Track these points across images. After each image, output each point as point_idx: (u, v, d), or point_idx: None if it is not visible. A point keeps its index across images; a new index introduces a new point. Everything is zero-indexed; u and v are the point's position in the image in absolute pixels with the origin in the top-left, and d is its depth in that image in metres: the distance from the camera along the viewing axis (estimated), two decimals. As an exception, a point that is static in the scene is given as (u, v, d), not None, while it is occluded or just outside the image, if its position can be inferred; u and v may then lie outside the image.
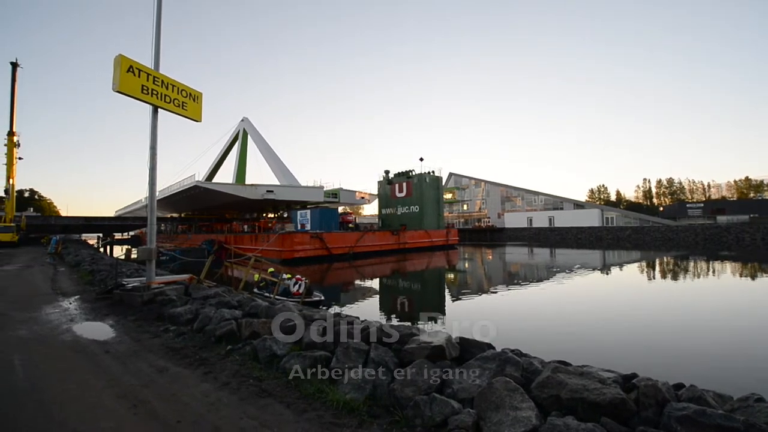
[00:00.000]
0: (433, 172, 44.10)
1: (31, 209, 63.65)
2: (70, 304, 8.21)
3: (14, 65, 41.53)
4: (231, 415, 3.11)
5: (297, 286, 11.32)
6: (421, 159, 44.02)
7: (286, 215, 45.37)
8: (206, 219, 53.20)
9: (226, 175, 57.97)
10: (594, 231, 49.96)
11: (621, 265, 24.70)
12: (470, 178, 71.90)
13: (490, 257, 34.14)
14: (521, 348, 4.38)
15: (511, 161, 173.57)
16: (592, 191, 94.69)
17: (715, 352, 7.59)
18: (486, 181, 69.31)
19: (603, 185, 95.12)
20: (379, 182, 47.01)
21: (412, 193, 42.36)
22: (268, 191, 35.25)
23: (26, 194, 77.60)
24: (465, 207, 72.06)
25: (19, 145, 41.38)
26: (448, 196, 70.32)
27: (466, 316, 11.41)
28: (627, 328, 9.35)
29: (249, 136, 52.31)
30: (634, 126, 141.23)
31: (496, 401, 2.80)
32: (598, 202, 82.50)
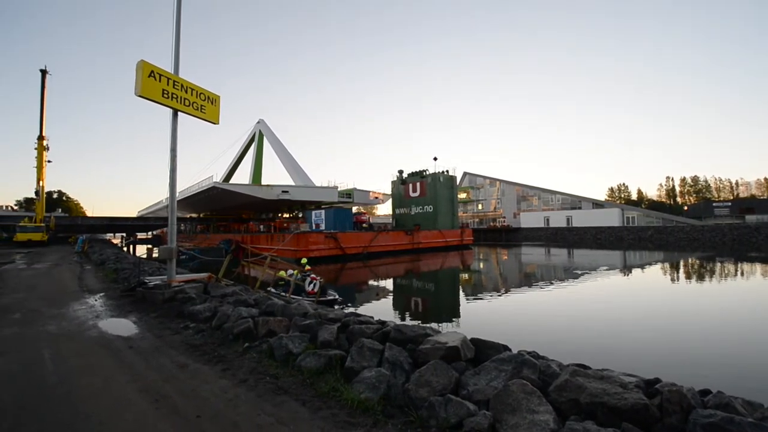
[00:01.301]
0: (447, 171, 43.83)
1: (60, 210, 66.48)
2: (96, 301, 8.53)
3: (43, 72, 43.47)
4: (248, 411, 3.17)
5: (312, 285, 11.44)
6: (435, 158, 43.88)
7: (301, 215, 45.93)
8: (224, 219, 54.41)
9: (243, 176, 59.18)
10: (614, 231, 48.59)
11: (643, 266, 23.93)
12: (485, 178, 71.04)
13: (506, 258, 33.65)
14: (538, 350, 4.30)
15: (527, 161, 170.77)
16: (611, 190, 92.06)
17: (743, 358, 7.26)
18: (501, 181, 68.34)
19: (623, 184, 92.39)
20: (392, 182, 47.04)
21: (426, 193, 42.20)
22: (283, 191, 35.78)
23: (55, 195, 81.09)
24: (480, 207, 71.26)
25: (48, 149, 43.29)
26: (462, 195, 69.69)
27: (481, 317, 11.29)
28: (649, 332, 9.05)
29: (265, 138, 53.20)
30: (657, 123, 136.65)
31: (513, 404, 2.76)
32: (618, 202, 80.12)
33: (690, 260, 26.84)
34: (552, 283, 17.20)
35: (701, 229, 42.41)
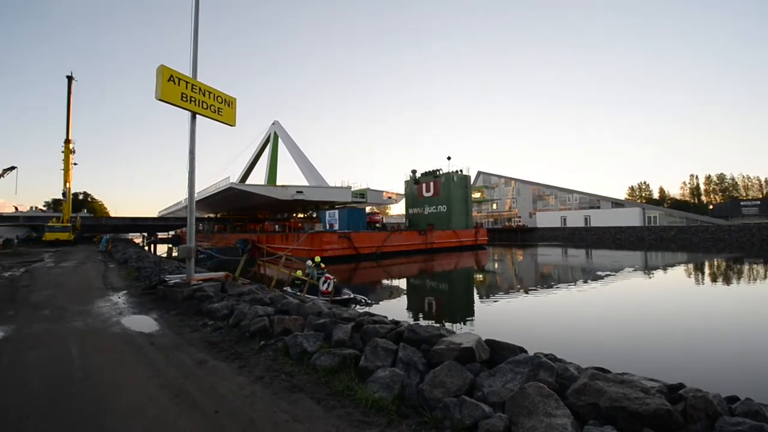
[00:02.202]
0: (460, 171, 43.44)
1: (85, 210, 69.08)
2: (119, 298, 8.84)
3: (69, 78, 45.26)
4: (265, 408, 3.23)
5: (326, 284, 11.53)
6: (449, 158, 43.54)
7: (315, 215, 46.37)
8: (240, 219, 55.49)
9: (258, 177, 60.10)
10: (635, 231, 47.14)
11: (665, 268, 23.13)
12: (500, 177, 70.06)
13: (521, 258, 33.11)
14: (554, 353, 4.22)
15: (543, 161, 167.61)
16: (632, 189, 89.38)
17: (775, 364, 6.93)
18: (516, 180, 67.25)
19: (644, 182, 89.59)
20: (405, 182, 46.94)
21: (439, 193, 41.93)
22: (297, 192, 36.20)
23: (80, 197, 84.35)
24: (494, 206, 70.33)
25: (74, 152, 45.06)
26: (476, 195, 68.95)
27: (496, 318, 11.15)
28: (672, 336, 8.75)
29: (279, 139, 53.94)
30: (680, 120, 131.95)
31: (529, 407, 2.71)
32: (639, 201, 77.68)
33: (716, 262, 25.80)
34: (570, 285, 16.83)
35: (728, 229, 40.65)
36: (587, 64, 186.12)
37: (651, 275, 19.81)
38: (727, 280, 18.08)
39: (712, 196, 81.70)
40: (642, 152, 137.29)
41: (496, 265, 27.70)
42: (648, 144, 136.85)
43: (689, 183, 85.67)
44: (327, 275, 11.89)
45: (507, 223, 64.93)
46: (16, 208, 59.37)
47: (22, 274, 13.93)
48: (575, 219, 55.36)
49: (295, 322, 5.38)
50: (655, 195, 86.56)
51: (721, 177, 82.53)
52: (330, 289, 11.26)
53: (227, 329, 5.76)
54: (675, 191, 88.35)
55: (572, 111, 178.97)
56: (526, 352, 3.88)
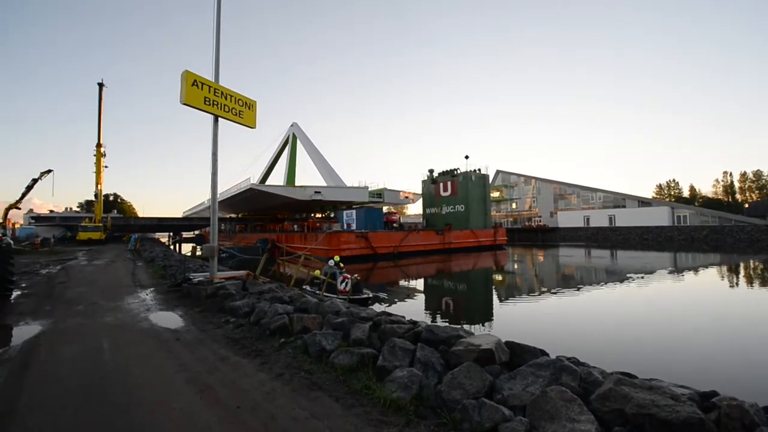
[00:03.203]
0: (479, 170, 42.86)
1: (115, 211, 72.27)
2: (147, 295, 9.20)
3: (101, 85, 47.45)
4: (285, 404, 3.29)
5: (344, 284, 11.61)
6: (467, 157, 43.04)
7: (333, 215, 46.82)
8: (260, 219, 56.65)
9: (278, 178, 61.23)
10: (663, 231, 45.19)
11: (698, 269, 22.04)
12: (519, 175, 68.66)
13: (542, 259, 32.32)
14: (577, 356, 4.10)
15: (565, 160, 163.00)
16: (660, 187, 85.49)
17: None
18: (536, 178, 65.71)
19: (673, 180, 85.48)
20: (423, 181, 46.71)
21: (457, 192, 41.51)
22: (316, 192, 36.66)
23: (111, 198, 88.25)
24: (514, 206, 69.00)
25: (105, 155, 47.21)
26: (495, 194, 67.84)
27: (516, 319, 10.93)
28: (705, 342, 8.34)
29: (298, 140, 54.75)
30: (711, 115, 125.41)
31: (551, 411, 2.65)
32: (667, 199, 74.36)
33: (752, 263, 24.39)
34: (595, 287, 16.31)
35: (765, 229, 38.35)
36: (612, 61, 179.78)
37: (684, 277, 18.92)
38: (766, 283, 17.05)
39: (747, 195, 77.09)
40: (671, 149, 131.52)
41: (515, 266, 27.16)
42: (677, 141, 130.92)
43: (722, 180, 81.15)
44: (345, 274, 11.97)
45: (527, 223, 63.57)
46: (52, 210, 62.73)
47: (58, 271, 14.72)
48: (599, 218, 53.60)
49: (314, 321, 5.45)
50: (685, 193, 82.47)
51: (758, 174, 77.73)
52: (348, 289, 11.33)
53: (248, 326, 5.90)
54: (707, 189, 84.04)
55: (596, 108, 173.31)
56: (547, 355, 3.78)
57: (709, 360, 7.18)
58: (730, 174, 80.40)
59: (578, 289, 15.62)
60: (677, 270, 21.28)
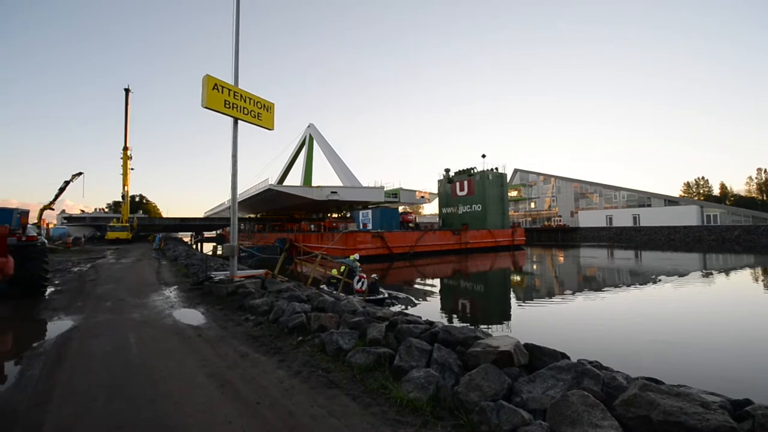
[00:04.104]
0: (496, 168, 42.21)
1: (141, 211, 75.16)
2: (171, 292, 9.52)
3: (127, 91, 49.42)
4: (303, 401, 3.33)
5: (360, 283, 11.67)
6: (484, 155, 42.43)
7: (349, 215, 47.13)
8: (278, 219, 57.65)
9: (295, 178, 62.18)
10: (691, 231, 43.28)
11: (728, 271, 20.98)
12: (538, 174, 67.20)
13: (563, 259, 31.51)
14: (600, 360, 3.98)
15: (586, 158, 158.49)
16: (688, 185, 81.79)
17: None
18: (556, 177, 64.13)
19: (702, 178, 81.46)
20: (439, 181, 46.40)
21: (473, 192, 41.02)
22: (332, 192, 37.00)
23: (137, 199, 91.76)
24: (532, 205, 67.60)
25: (131, 158, 49.12)
26: (513, 193, 66.67)
27: (535, 322, 10.70)
28: (738, 348, 7.93)
29: (314, 141, 55.41)
30: (743, 110, 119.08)
31: (572, 416, 2.58)
32: (696, 198, 71.14)
33: (791, 265, 23.00)
34: (616, 289, 15.78)
35: (806, 229, 36.18)
36: (637, 57, 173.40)
37: (719, 280, 18.03)
38: (805, 287, 16.04)
39: (785, 193, 72.87)
40: (700, 146, 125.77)
41: (534, 267, 26.60)
42: (707, 137, 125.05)
43: (756, 178, 76.83)
44: (361, 274, 12.03)
45: (546, 223, 62.16)
46: (82, 211, 65.73)
47: (88, 269, 15.42)
48: (623, 218, 51.85)
49: (331, 320, 5.50)
50: (716, 192, 78.55)
51: (797, 171, 73.33)
52: (364, 288, 11.38)
53: (267, 324, 6.02)
54: (739, 187, 79.67)
55: (619, 106, 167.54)
56: (568, 358, 3.69)
57: (743, 367, 6.83)
58: (765, 171, 76.16)
59: (602, 292, 15.14)
60: (711, 272, 20.29)
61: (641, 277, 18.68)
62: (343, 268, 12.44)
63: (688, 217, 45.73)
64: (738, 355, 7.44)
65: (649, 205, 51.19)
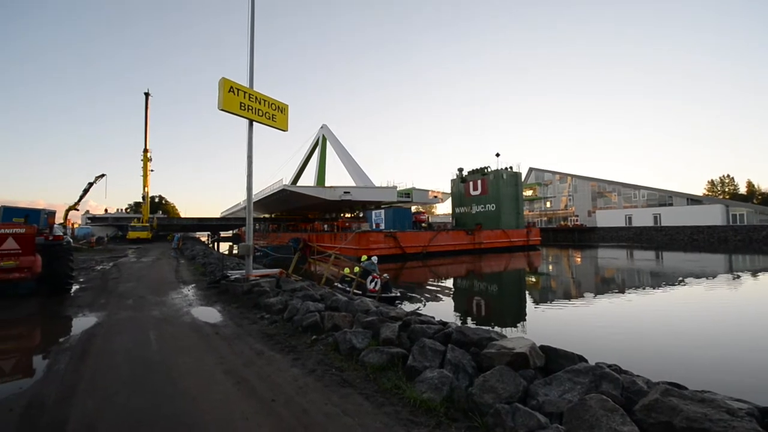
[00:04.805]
0: (510, 167, 41.60)
1: (160, 212, 77.21)
2: (188, 291, 9.75)
3: (147, 95, 50.85)
4: (317, 400, 3.37)
5: (373, 283, 11.70)
6: (498, 154, 41.86)
7: (361, 215, 47.28)
8: (292, 219, 58.31)
9: (308, 179, 62.77)
10: (715, 231, 41.66)
11: (756, 273, 20.09)
12: (554, 173, 65.90)
13: (580, 260, 30.82)
14: (619, 364, 3.87)
15: (605, 157, 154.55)
16: (712, 183, 78.64)
17: None
18: (573, 175, 62.75)
19: (728, 175, 78.16)
20: (452, 180, 46.03)
21: (487, 191, 40.54)
22: (345, 192, 37.18)
23: (156, 200, 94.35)
24: (548, 204, 66.33)
25: (151, 160, 50.54)
26: (528, 192, 65.59)
27: (550, 323, 10.51)
28: (766, 353, 7.60)
29: (327, 141, 55.81)
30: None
31: (591, 420, 2.53)
32: (721, 196, 68.45)
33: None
34: (637, 291, 15.33)
35: (842, 228, 34.33)
36: (658, 53, 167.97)
37: (739, 282, 17.29)
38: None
39: (818, 191, 69.30)
40: (725, 143, 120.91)
41: (550, 267, 26.10)
42: (732, 134, 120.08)
43: (787, 175, 73.41)
44: (375, 273, 12.07)
45: (562, 223, 60.92)
46: (107, 210, 68.03)
47: (111, 267, 15.95)
48: (642, 217, 50.32)
49: (345, 319, 5.54)
50: (742, 190, 75.32)
51: (832, 167, 69.65)
52: (377, 288, 11.41)
53: (282, 323, 6.10)
54: (767, 185, 76.33)
55: (639, 103, 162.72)
56: (585, 361, 3.61)
57: (771, 373, 6.53)
58: (797, 168, 72.44)
59: (621, 293, 14.74)
60: (739, 274, 19.44)
61: (664, 279, 18.08)
62: (356, 268, 12.52)
63: (713, 216, 44.03)
64: (760, 359, 7.12)
65: (671, 204, 49.54)
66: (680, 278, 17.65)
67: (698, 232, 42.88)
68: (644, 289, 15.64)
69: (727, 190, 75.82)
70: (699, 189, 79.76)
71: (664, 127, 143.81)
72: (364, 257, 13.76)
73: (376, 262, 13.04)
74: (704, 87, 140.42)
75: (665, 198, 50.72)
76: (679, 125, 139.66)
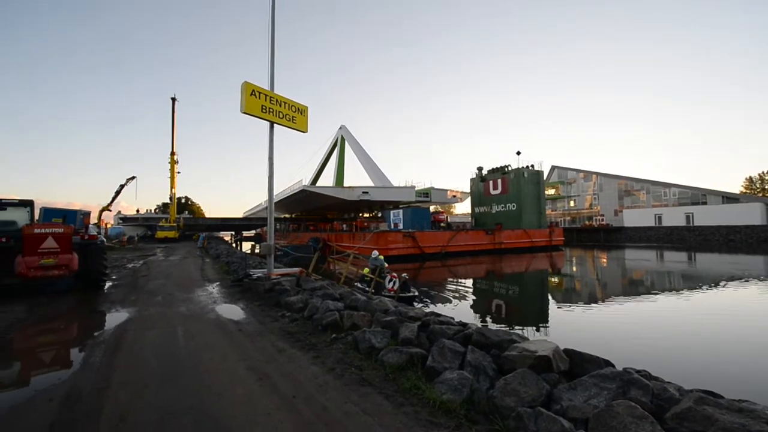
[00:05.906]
0: (532, 166, 40.65)
1: (186, 212, 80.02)
2: (213, 288, 10.07)
3: (173, 100, 52.84)
4: (336, 398, 3.41)
5: (391, 283, 11.71)
6: (518, 153, 40.97)
7: (380, 215, 47.39)
8: (312, 219, 59.16)
9: (327, 179, 63.50)
10: (754, 231, 39.27)
11: (801, 276, 18.76)
12: (578, 171, 63.88)
13: (606, 261, 29.73)
14: (648, 370, 3.72)
15: (631, 154, 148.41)
16: (750, 180, 73.88)
17: None
18: (598, 173, 60.63)
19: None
20: (471, 179, 45.43)
21: (508, 190, 39.77)
22: (363, 192, 37.37)
23: (183, 200, 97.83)
24: (572, 203, 64.38)
25: (178, 162, 52.46)
26: (550, 191, 63.91)
27: (575, 326, 10.20)
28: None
29: (346, 142, 56.25)
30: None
31: (618, 427, 2.44)
32: (760, 194, 64.35)
33: None
34: (668, 294, 14.64)
35: None
36: (693, 42, 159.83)
37: (780, 285, 16.21)
38: None
39: None
40: (764, 138, 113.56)
41: (574, 269, 25.32)
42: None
43: (836, 171, 68.16)
44: (393, 273, 12.07)
45: (587, 222, 59.02)
46: (138, 210, 71.18)
47: (141, 265, 16.68)
48: (673, 217, 48.03)
49: (363, 318, 5.57)
50: (785, 187, 70.53)
51: None
52: (396, 288, 11.41)
53: (302, 321, 6.20)
54: (815, 182, 70.99)
55: (670, 97, 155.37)
56: (612, 366, 3.48)
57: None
58: None
59: (651, 296, 14.12)
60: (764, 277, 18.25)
61: (699, 281, 17.18)
62: (366, 270, 12.57)
63: (751, 215, 41.47)
64: (814, 370, 6.65)
65: (705, 203, 47.04)
66: (720, 281, 16.70)
67: (735, 232, 40.55)
68: (678, 292, 14.91)
69: (767, 187, 71.21)
70: (735, 187, 75.17)
71: (697, 125, 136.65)
72: (375, 253, 13.75)
73: (377, 255, 13.01)
74: (740, 79, 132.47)
75: (698, 196, 48.23)
76: (714, 123, 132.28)
